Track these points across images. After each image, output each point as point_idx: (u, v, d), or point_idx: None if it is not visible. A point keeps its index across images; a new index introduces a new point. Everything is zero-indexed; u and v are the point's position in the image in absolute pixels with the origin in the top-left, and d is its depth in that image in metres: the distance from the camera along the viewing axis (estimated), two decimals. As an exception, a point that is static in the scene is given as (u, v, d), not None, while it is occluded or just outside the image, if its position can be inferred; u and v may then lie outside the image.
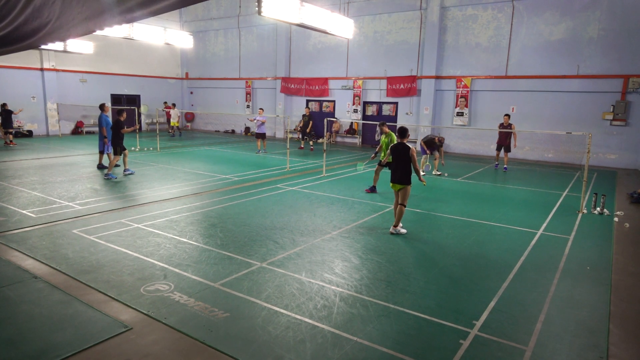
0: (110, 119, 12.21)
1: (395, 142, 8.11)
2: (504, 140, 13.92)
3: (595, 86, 15.68)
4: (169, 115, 24.00)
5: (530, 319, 4.42)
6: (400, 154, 6.99)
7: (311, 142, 19.14)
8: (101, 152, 12.37)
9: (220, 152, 17.45)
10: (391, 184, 7.19)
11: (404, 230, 7.09)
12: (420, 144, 13.18)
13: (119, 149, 11.27)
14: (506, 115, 13.87)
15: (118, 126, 11.23)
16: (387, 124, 10.31)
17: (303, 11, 9.08)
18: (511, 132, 13.60)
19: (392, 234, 7.03)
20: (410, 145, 7.06)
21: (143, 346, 3.77)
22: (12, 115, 17.30)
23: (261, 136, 16.97)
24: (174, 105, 23.07)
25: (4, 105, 17.17)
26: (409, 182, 6.97)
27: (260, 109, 18.01)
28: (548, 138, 16.75)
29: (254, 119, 17.00)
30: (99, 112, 12.24)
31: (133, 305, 4.44)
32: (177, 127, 22.90)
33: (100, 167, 12.40)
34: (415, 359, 3.67)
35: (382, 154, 9.51)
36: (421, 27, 18.98)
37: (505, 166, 14.21)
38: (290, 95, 23.75)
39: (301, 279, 5.23)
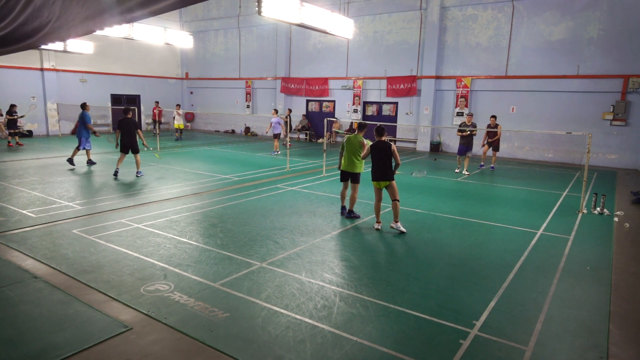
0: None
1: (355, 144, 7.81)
2: (492, 140, 13.92)
3: (595, 86, 15.68)
4: (155, 116, 23.36)
5: (530, 319, 4.41)
6: (382, 151, 7.13)
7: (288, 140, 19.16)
8: (84, 149, 12.70)
9: (220, 152, 17.46)
10: (375, 183, 7.26)
11: (403, 229, 7.11)
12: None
13: (138, 148, 11.58)
14: (492, 116, 13.82)
15: (136, 126, 11.45)
16: (384, 124, 10.09)
17: (303, 11, 9.08)
18: (498, 132, 13.59)
19: (392, 227, 7.15)
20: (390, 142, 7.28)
21: (143, 346, 3.76)
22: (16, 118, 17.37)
23: (277, 136, 17.15)
24: (178, 106, 22.31)
25: (13, 106, 17.19)
26: (393, 177, 7.16)
27: (275, 110, 17.95)
28: (548, 138, 16.76)
29: (271, 124, 17.07)
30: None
31: (133, 305, 4.44)
32: (181, 129, 21.87)
33: (90, 162, 12.75)
34: (415, 359, 3.67)
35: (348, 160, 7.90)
36: (421, 27, 18.98)
37: (492, 165, 14.25)
38: (290, 95, 23.75)
39: (301, 279, 5.23)
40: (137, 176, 11.32)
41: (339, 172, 8.16)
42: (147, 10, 2.90)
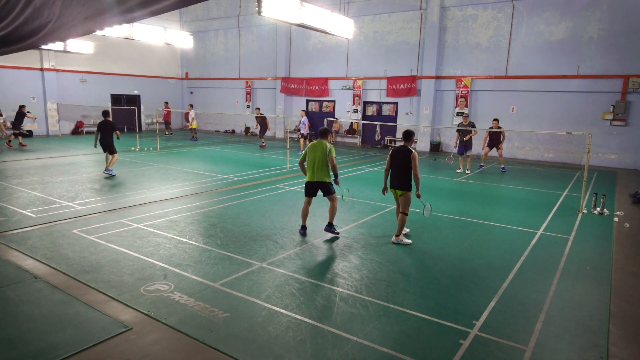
0: None
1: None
2: (495, 142, 13.86)
3: (595, 86, 15.68)
4: (166, 117, 23.76)
5: (530, 319, 4.41)
6: (401, 158, 6.58)
7: (262, 140, 19.55)
8: None
9: (220, 152, 17.46)
10: (392, 190, 6.76)
11: (407, 241, 6.65)
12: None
13: (114, 149, 11.57)
14: (495, 120, 13.76)
15: (113, 128, 11.48)
16: (384, 124, 9.93)
17: (303, 11, 9.08)
18: (501, 133, 13.55)
19: (393, 243, 6.64)
20: (412, 149, 6.64)
21: (143, 346, 3.76)
22: (25, 118, 17.32)
23: (304, 136, 17.59)
24: (191, 106, 22.26)
25: (22, 107, 17.18)
26: (410, 188, 6.55)
27: (303, 110, 18.50)
28: (548, 138, 16.75)
29: (300, 123, 17.59)
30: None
31: (133, 305, 4.44)
32: (195, 129, 21.60)
33: None
34: (415, 359, 3.67)
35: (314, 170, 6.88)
36: (421, 27, 18.98)
37: (502, 167, 14.19)
38: (290, 95, 23.75)
39: (301, 279, 5.23)
40: (103, 172, 11.52)
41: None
42: (147, 10, 2.91)
